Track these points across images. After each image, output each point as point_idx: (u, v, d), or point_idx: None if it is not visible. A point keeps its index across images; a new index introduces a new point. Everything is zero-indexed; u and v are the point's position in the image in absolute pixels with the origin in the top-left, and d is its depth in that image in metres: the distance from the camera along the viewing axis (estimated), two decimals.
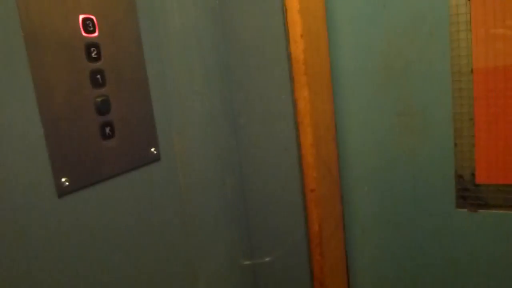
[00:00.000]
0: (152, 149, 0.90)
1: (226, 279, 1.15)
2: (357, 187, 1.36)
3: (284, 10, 1.05)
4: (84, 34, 0.75)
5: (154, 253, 0.90)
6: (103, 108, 0.78)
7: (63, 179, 0.71)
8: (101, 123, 0.78)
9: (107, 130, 0.79)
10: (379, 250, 1.38)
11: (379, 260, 1.39)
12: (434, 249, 1.30)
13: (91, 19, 0.76)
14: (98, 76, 0.78)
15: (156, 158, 0.91)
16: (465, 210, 1.24)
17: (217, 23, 1.11)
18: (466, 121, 1.18)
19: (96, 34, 0.77)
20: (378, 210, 1.35)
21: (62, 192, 0.71)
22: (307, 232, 1.17)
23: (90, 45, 0.76)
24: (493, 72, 1.12)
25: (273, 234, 1.21)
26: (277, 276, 1.24)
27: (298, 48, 1.06)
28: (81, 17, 0.74)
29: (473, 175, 1.20)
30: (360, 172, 1.35)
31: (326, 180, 1.22)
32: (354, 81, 1.28)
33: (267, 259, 1.24)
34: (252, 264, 1.24)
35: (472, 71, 1.15)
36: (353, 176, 1.36)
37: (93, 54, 0.77)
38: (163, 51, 0.94)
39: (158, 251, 0.91)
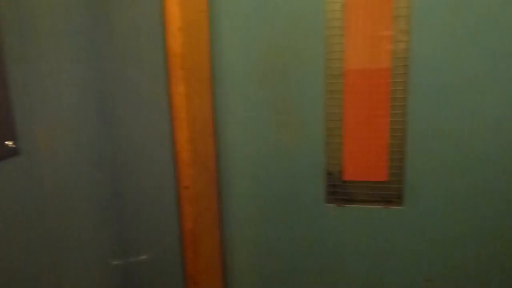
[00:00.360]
0: (8, 143, 0.81)
1: (93, 280, 1.08)
2: (235, 183, 1.37)
3: (162, 1, 1.01)
4: None
5: (9, 255, 0.81)
6: None
7: None
8: None
9: None
10: (256, 245, 1.40)
11: (256, 255, 1.41)
12: (307, 242, 1.36)
13: None
14: None
15: (14, 152, 0.82)
16: (334, 205, 1.31)
17: (90, 7, 1.03)
18: (336, 121, 1.25)
19: None
20: (255, 206, 1.37)
21: None
22: (181, 230, 1.15)
23: None
24: (361, 74, 1.20)
25: (146, 232, 1.17)
26: (150, 275, 1.20)
27: (176, 41, 1.02)
28: None
29: (341, 172, 1.28)
30: (239, 169, 1.35)
31: (202, 176, 1.20)
32: (234, 78, 1.28)
33: (140, 258, 1.19)
34: (123, 263, 1.19)
35: (343, 74, 1.21)
36: (232, 172, 1.36)
37: None
38: (26, 36, 0.84)
39: (13, 253, 0.82)
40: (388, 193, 1.26)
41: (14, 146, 0.83)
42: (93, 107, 1.06)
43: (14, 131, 0.83)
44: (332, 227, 1.33)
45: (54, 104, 0.93)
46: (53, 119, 0.93)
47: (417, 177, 1.23)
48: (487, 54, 1.13)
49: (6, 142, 0.82)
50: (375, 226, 1.30)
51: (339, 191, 1.29)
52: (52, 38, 0.92)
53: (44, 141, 0.90)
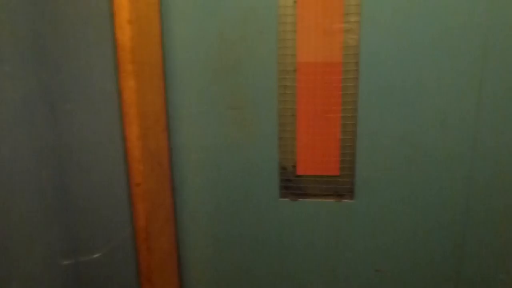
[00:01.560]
0: None
1: (43, 281, 1.05)
2: (189, 179, 1.36)
3: None
4: None
5: None
6: None
7: None
8: None
9: None
10: (212, 241, 1.40)
11: (211, 251, 1.41)
12: (262, 237, 1.37)
13: None
14: None
15: None
16: (288, 199, 1.33)
17: None
18: (289, 116, 1.26)
19: None
20: (210, 201, 1.37)
21: None
22: (133, 227, 1.12)
23: None
24: (313, 69, 1.21)
25: (98, 230, 1.14)
26: (102, 274, 1.17)
27: (125, 34, 1.00)
28: None
29: (294, 167, 1.29)
30: (192, 164, 1.34)
31: (154, 173, 1.19)
32: (187, 72, 1.26)
33: (92, 257, 1.16)
34: (74, 263, 1.15)
35: (295, 70, 1.22)
36: (185, 168, 1.35)
37: None
38: None
39: None
40: (340, 187, 1.28)
41: None
42: (38, 101, 1.02)
43: None
44: (286, 221, 1.35)
45: None
46: None
47: (367, 171, 1.27)
48: (437, 50, 1.17)
49: None
50: (328, 219, 1.32)
51: (293, 185, 1.31)
52: None
53: None
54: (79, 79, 1.04)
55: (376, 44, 1.18)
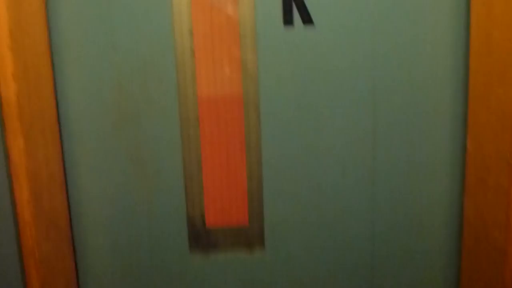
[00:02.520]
0: None
1: None
2: (92, 241, 1.26)
3: None
4: None
5: None
6: None
7: None
8: None
9: None
10: None
11: None
12: None
13: None
14: None
15: None
16: (198, 253, 1.28)
17: None
18: (195, 166, 1.23)
19: None
20: (116, 262, 1.28)
21: None
22: None
23: None
24: (216, 118, 1.21)
25: None
26: None
27: (9, 89, 0.93)
28: None
29: (203, 219, 1.26)
30: (94, 223, 1.25)
31: (50, 236, 1.09)
32: (84, 126, 1.20)
33: None
34: None
35: (198, 118, 1.21)
36: (87, 228, 1.25)
37: None
38: None
39: None
40: (250, 237, 1.26)
41: None
42: None
43: None
44: (198, 276, 1.30)
45: None
46: None
47: (275, 219, 1.26)
48: (330, 94, 1.22)
49: None
50: (240, 271, 1.29)
51: (203, 238, 1.27)
52: None
53: None
54: None
55: (273, 80, 1.20)
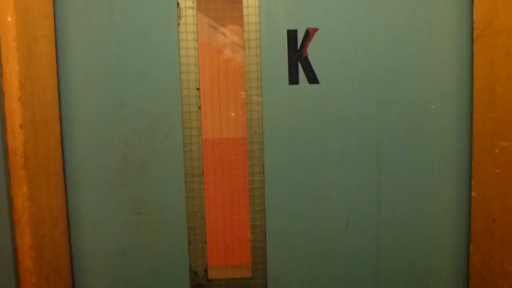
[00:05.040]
0: None
1: None
2: None
3: (1, 96, 0.95)
4: None
5: None
6: None
7: None
8: None
9: None
10: None
11: None
12: None
13: None
14: None
15: None
16: None
17: None
18: (198, 219, 1.23)
19: None
20: None
21: None
22: None
23: None
24: (220, 172, 1.22)
25: None
26: None
27: (16, 139, 0.96)
28: None
29: (206, 271, 1.24)
30: (98, 273, 1.24)
31: (50, 282, 1.08)
32: (90, 177, 1.21)
33: None
34: None
35: (203, 173, 1.22)
36: (90, 278, 1.24)
37: None
38: None
39: None
40: None
41: None
42: None
43: None
44: None
45: None
46: None
47: (278, 272, 1.24)
48: (341, 141, 1.23)
49: None
50: None
51: None
52: None
53: None
54: None
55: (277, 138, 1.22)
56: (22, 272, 1.00)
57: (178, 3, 1.19)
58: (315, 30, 1.19)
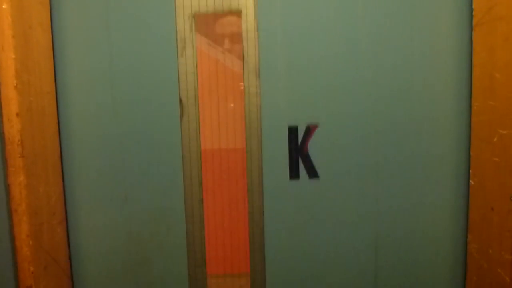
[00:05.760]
0: None
1: None
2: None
3: None
4: None
5: None
6: None
7: None
8: None
9: None
10: None
11: None
12: None
13: None
14: None
15: None
16: None
17: None
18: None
19: None
20: None
21: None
22: None
23: None
24: (223, 261, 1.27)
25: None
26: None
27: (13, 127, 0.96)
28: None
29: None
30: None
31: (49, 271, 1.08)
32: (95, 273, 1.26)
33: None
34: None
35: (205, 264, 1.25)
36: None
37: None
38: None
39: None
40: None
41: None
42: None
43: None
44: None
45: None
46: None
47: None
48: (340, 235, 1.24)
49: None
50: None
51: None
52: None
53: None
54: None
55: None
56: (20, 261, 1.00)
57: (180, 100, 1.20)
58: (315, 127, 1.20)
